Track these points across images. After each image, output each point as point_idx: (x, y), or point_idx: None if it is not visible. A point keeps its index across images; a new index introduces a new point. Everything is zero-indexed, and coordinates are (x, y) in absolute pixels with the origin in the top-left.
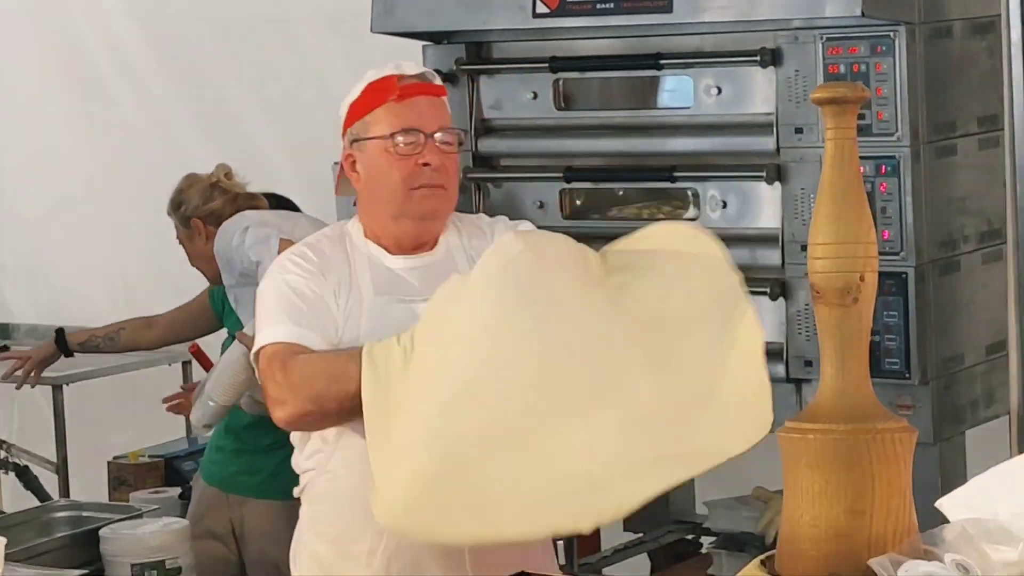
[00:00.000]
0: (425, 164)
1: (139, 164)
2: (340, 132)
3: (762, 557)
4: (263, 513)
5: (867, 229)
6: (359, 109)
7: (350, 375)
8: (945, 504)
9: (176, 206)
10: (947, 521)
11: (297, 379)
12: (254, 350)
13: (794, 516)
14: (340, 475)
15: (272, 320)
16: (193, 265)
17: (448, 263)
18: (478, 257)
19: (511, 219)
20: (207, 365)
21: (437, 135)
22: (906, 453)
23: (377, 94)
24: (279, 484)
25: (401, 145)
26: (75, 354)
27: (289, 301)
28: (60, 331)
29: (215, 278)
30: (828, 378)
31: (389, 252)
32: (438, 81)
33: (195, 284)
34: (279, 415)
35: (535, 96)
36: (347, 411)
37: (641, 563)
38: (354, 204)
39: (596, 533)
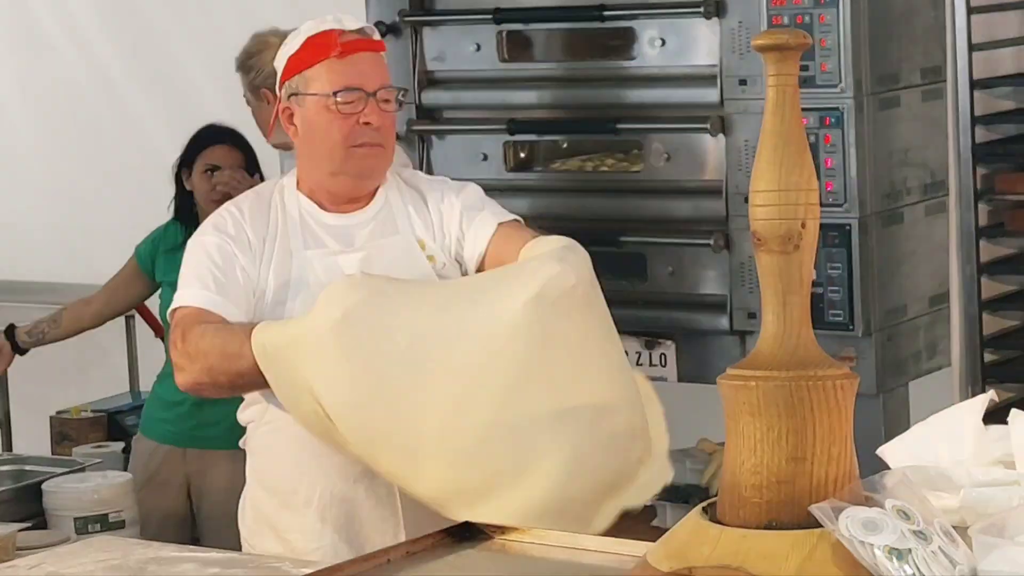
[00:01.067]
0: (366, 123)
1: (82, 120)
2: None
3: (704, 504)
4: (225, 464)
5: (808, 176)
6: (298, 63)
7: (243, 354)
8: (887, 452)
9: (246, 69)
10: (889, 469)
11: (193, 349)
12: (169, 309)
13: (736, 463)
14: (278, 426)
15: (186, 282)
16: (263, 133)
17: (384, 221)
18: (416, 215)
19: (454, 178)
20: (151, 320)
21: (379, 94)
22: (847, 400)
23: (317, 49)
24: (240, 433)
25: (342, 104)
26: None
27: (206, 265)
28: (10, 328)
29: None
30: (769, 325)
31: (322, 208)
32: (378, 36)
33: (141, 236)
34: (178, 380)
35: (478, 48)
36: (240, 387)
37: None
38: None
39: None
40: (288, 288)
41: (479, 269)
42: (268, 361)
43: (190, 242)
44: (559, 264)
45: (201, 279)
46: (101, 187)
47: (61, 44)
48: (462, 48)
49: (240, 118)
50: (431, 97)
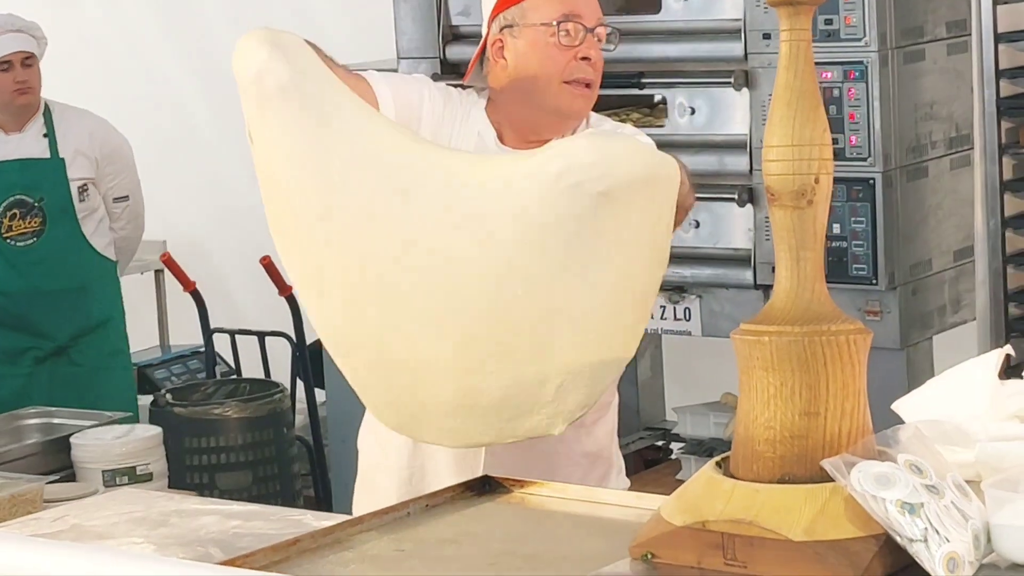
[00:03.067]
0: (584, 58)
1: (105, 71)
2: (307, 39)
3: (717, 459)
4: None
5: (822, 131)
6: None
7: None
8: (902, 406)
9: None
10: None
11: None
12: None
13: (749, 418)
14: None
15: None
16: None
17: None
18: None
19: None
20: (180, 275)
21: (597, 29)
22: (860, 354)
23: None
24: None
25: (563, 34)
26: None
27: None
28: None
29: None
30: (782, 280)
31: (501, 141)
32: None
33: (167, 199)
34: None
35: None
36: None
37: None
38: None
39: None
40: None
41: None
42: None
43: (400, 78)
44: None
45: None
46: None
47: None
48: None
49: None
50: (456, 52)
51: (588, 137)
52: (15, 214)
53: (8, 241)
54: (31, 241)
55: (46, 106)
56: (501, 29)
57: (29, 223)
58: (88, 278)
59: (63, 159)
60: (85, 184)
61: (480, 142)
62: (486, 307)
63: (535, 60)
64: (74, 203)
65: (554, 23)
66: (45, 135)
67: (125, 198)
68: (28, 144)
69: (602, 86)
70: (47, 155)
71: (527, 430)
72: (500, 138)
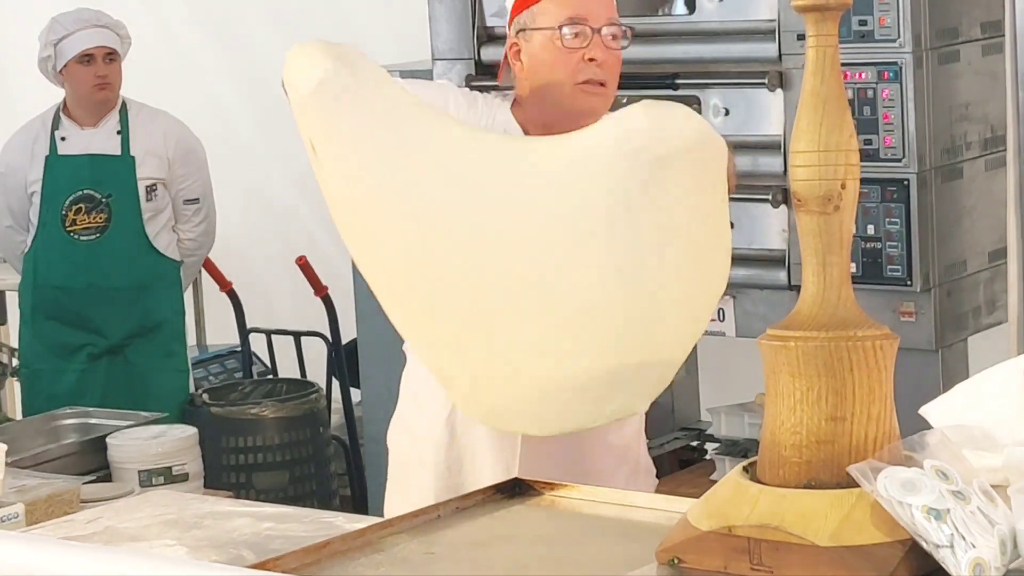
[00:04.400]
0: (591, 60)
1: (143, 72)
2: (341, 40)
3: (744, 464)
4: None
5: (849, 137)
6: None
7: None
8: (930, 411)
9: None
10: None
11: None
12: None
13: (775, 423)
14: None
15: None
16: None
17: None
18: None
19: None
20: (217, 275)
21: (604, 29)
22: (887, 360)
23: None
24: None
25: (568, 37)
26: None
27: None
28: None
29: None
30: (809, 285)
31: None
32: None
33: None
34: None
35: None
36: None
37: None
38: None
39: None
40: None
41: None
42: None
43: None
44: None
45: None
46: None
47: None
48: None
49: None
50: (490, 53)
51: (642, 105)
52: (80, 208)
53: (72, 235)
54: (94, 236)
55: (123, 104)
56: (516, 33)
57: (94, 218)
58: (148, 278)
59: (133, 157)
60: (154, 184)
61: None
62: (570, 290)
63: (546, 63)
64: (140, 202)
65: (558, 27)
66: (119, 132)
67: (196, 200)
68: (101, 140)
69: (637, 87)
70: (118, 152)
71: (613, 411)
72: (526, 133)
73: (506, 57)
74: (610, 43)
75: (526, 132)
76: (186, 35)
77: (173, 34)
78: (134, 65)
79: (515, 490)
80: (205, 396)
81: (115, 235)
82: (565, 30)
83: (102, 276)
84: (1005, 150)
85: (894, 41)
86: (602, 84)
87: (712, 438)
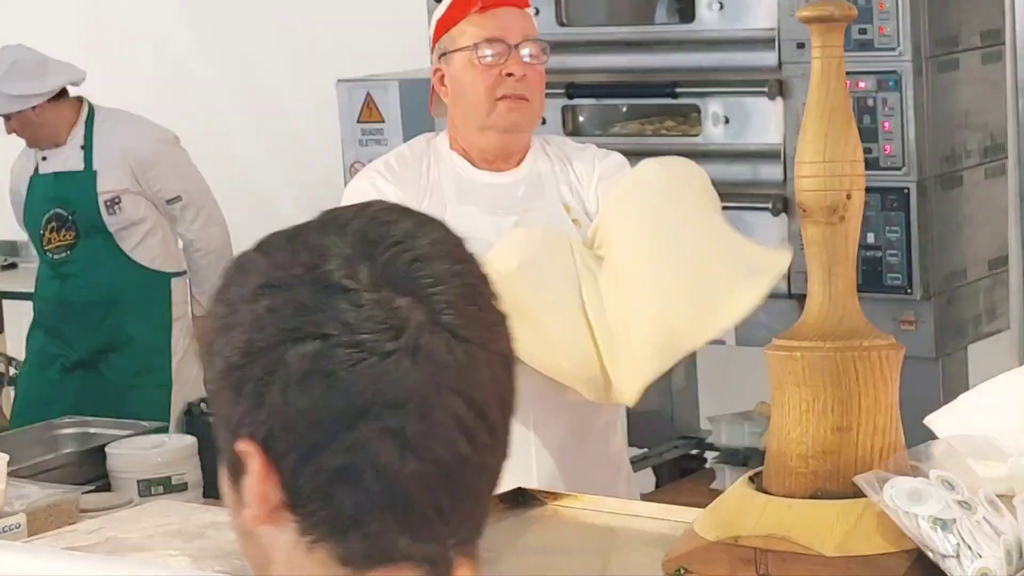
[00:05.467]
0: (509, 74)
1: (139, 80)
2: (348, 53)
3: (750, 473)
4: None
5: (854, 148)
6: (446, 23)
7: None
8: (935, 421)
9: None
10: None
11: None
12: None
13: (782, 433)
14: None
15: None
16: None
17: (534, 183)
18: (562, 178)
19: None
20: None
21: (521, 46)
22: (892, 370)
23: (461, 7)
24: None
25: (486, 56)
26: None
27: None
28: None
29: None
30: (815, 296)
31: (474, 165)
32: None
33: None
34: None
35: (537, 12)
36: None
37: (646, 477)
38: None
39: None
40: None
41: None
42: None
43: (354, 184)
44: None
45: None
46: None
47: (125, 11)
48: None
49: (301, 85)
50: None
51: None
52: (53, 227)
53: (48, 253)
54: (65, 254)
55: (90, 113)
56: (439, 58)
57: (64, 236)
58: (121, 292)
59: (95, 171)
60: (116, 197)
61: (459, 176)
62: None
63: (466, 82)
64: (103, 217)
65: (474, 45)
66: (83, 146)
67: (178, 199)
68: (67, 156)
69: (637, 95)
70: (81, 167)
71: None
72: (474, 164)
73: (433, 88)
74: (528, 59)
75: (473, 164)
76: (183, 44)
77: (170, 42)
78: (130, 72)
79: (519, 500)
80: (203, 405)
81: (83, 251)
82: (482, 48)
83: (72, 291)
84: (1005, 158)
85: (894, 50)
86: (523, 98)
87: (712, 447)
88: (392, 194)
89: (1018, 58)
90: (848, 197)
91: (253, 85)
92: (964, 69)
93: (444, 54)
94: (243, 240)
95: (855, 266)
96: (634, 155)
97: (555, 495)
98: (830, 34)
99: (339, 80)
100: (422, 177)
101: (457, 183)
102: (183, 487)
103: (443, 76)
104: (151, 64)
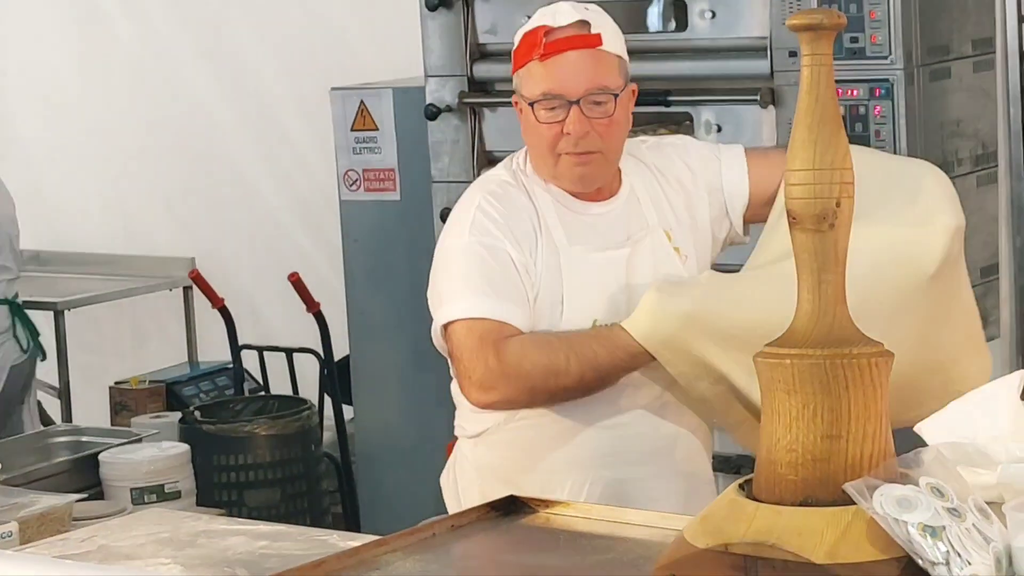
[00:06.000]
0: (568, 133)
1: (134, 88)
2: (342, 61)
3: (740, 481)
4: None
5: (843, 155)
6: (516, 59)
7: (569, 371)
8: (924, 428)
9: None
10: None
11: (513, 370)
12: (445, 320)
13: (771, 441)
14: (536, 422)
15: (470, 290)
16: None
17: (634, 209)
18: (663, 198)
19: (507, 151)
20: (208, 291)
21: (585, 100)
22: (882, 377)
23: (526, 49)
24: None
25: (544, 112)
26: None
27: (485, 266)
28: None
29: None
30: (805, 303)
31: (573, 196)
32: (595, 29)
33: (197, 216)
34: (482, 399)
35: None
36: (557, 400)
37: None
38: None
39: None
40: (562, 286)
41: (748, 207)
42: (661, 346)
43: (455, 238)
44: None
45: (489, 284)
46: (158, 159)
47: (115, 13)
48: (514, 20)
49: (293, 91)
50: (483, 70)
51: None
52: None
53: None
54: None
55: None
56: (514, 92)
57: None
58: None
59: None
60: None
61: (561, 209)
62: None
63: (530, 132)
64: None
65: (531, 102)
66: None
67: None
68: None
69: None
70: None
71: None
72: (572, 194)
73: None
74: (591, 112)
75: (569, 192)
76: (176, 49)
77: (162, 47)
78: (123, 80)
79: (510, 508)
80: (197, 413)
81: None
82: (539, 107)
83: None
84: (996, 166)
85: (885, 58)
86: (587, 154)
87: None
88: (501, 250)
89: (1009, 66)
90: (838, 205)
91: (248, 93)
92: (956, 77)
93: (515, 91)
94: (239, 245)
95: (845, 273)
96: None
97: (546, 502)
98: (819, 42)
99: (333, 88)
100: (530, 213)
101: (562, 217)
102: (176, 495)
103: (520, 109)
104: (145, 73)
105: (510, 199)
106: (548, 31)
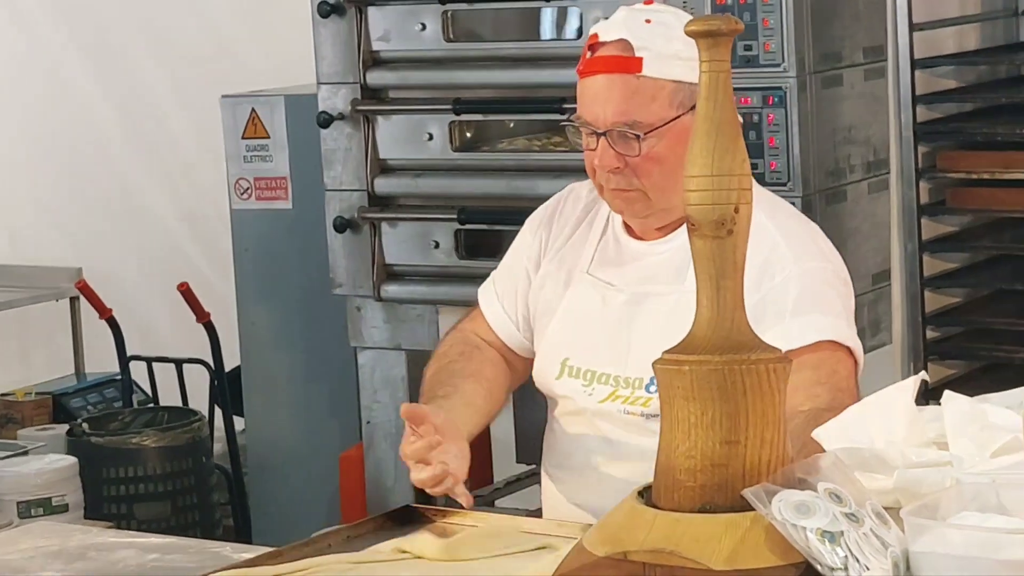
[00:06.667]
0: (596, 165)
1: (17, 95)
2: (233, 68)
3: (639, 489)
4: None
5: (741, 161)
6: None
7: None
8: (821, 434)
9: None
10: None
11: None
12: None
13: (670, 447)
14: None
15: (490, 281)
16: None
17: (678, 260)
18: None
19: (399, 159)
20: (96, 302)
21: (612, 134)
22: (780, 383)
23: (581, 59)
24: None
25: (574, 136)
26: None
27: (505, 268)
28: None
29: None
30: (703, 309)
31: (630, 232)
32: (638, 51)
33: (84, 225)
34: None
35: (424, 27)
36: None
37: (533, 494)
38: None
39: (488, 464)
40: (557, 307)
41: None
42: None
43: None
44: None
45: (501, 283)
46: (44, 163)
47: (2, 25)
48: (407, 27)
49: (183, 99)
50: (376, 77)
51: None
52: None
53: None
54: None
55: None
56: None
57: None
58: None
59: None
60: None
61: (607, 238)
62: None
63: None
64: None
65: (568, 119)
66: None
67: None
68: None
69: (524, 112)
70: None
71: None
72: (629, 230)
73: None
74: (622, 147)
75: (627, 226)
76: (62, 56)
77: (47, 53)
78: (10, 88)
79: (406, 517)
80: (85, 425)
81: None
82: (575, 132)
83: None
84: (888, 173)
85: (778, 66)
86: (623, 190)
87: None
88: (522, 254)
89: (900, 73)
90: (736, 211)
91: (137, 100)
92: (848, 85)
93: None
94: (128, 254)
95: (743, 280)
96: (524, 171)
97: (443, 512)
98: (717, 48)
99: (224, 96)
100: (578, 228)
101: (602, 244)
102: (64, 508)
103: None
104: (29, 79)
105: (580, 200)
106: (595, 44)
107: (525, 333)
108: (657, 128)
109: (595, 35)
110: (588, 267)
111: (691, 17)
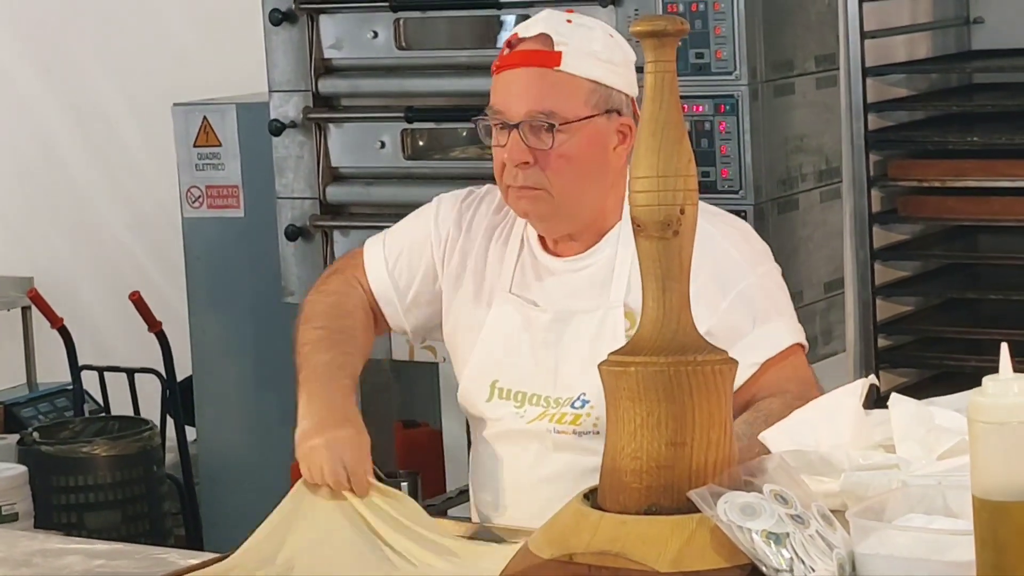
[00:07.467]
0: (505, 159)
1: None
2: (178, 73)
3: (585, 491)
4: None
5: (687, 162)
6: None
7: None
8: (768, 436)
9: None
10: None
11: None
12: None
13: (616, 449)
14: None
15: (380, 239)
16: None
17: (600, 276)
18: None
19: (351, 167)
20: (47, 311)
21: (524, 126)
22: (726, 385)
23: (499, 56)
24: None
25: (482, 131)
26: None
27: (410, 224)
28: None
29: None
30: (649, 311)
31: (546, 248)
32: (558, 45)
33: (34, 234)
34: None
35: (376, 35)
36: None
37: None
38: None
39: (442, 474)
40: (479, 333)
41: None
42: None
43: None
44: None
45: (395, 249)
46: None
47: None
48: (359, 35)
49: (136, 107)
50: (328, 85)
51: None
52: None
53: None
54: None
55: None
56: None
57: None
58: None
59: None
60: None
61: (524, 254)
62: None
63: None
64: None
65: (473, 119)
66: None
67: None
68: None
69: (449, 120)
70: None
71: None
72: (542, 242)
73: None
74: (533, 141)
75: (542, 241)
76: (14, 68)
77: (0, 67)
78: None
79: None
80: (35, 435)
81: None
82: (477, 120)
83: None
84: (839, 181)
85: (730, 74)
86: (529, 188)
87: None
88: (438, 245)
89: (852, 82)
90: (682, 212)
91: (87, 108)
92: (799, 93)
93: None
94: (79, 263)
95: (689, 281)
96: (473, 179)
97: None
98: (663, 49)
99: (175, 104)
100: (496, 237)
101: (521, 261)
102: (13, 517)
103: None
104: None
105: (502, 216)
106: (515, 41)
107: (402, 307)
108: (571, 123)
109: (515, 33)
110: (510, 286)
111: (612, 29)
